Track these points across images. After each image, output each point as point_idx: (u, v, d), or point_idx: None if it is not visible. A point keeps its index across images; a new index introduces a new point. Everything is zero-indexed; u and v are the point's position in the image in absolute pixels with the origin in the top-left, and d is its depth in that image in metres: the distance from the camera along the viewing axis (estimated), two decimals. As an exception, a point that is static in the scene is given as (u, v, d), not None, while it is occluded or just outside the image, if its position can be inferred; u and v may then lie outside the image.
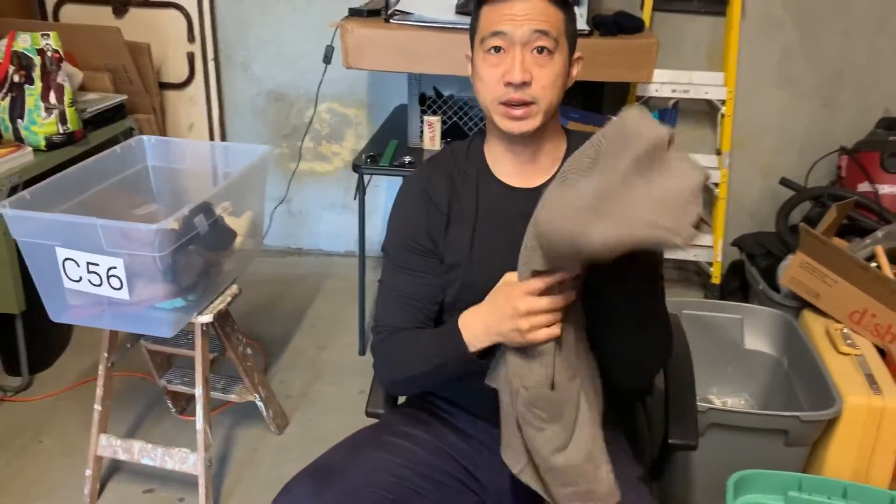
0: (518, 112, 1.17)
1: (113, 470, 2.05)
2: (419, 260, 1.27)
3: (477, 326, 1.13)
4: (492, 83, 1.17)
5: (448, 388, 1.35)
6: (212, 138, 3.14)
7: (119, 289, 1.60)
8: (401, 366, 1.26)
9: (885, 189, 2.51)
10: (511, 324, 1.05)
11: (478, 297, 1.17)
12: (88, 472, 1.92)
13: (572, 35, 1.21)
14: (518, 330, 1.04)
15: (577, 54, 1.24)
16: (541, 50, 1.15)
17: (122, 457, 1.90)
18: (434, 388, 1.35)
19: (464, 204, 1.27)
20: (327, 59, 2.45)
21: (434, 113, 2.44)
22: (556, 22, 1.16)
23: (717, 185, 2.85)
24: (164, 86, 3.04)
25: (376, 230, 3.14)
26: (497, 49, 1.16)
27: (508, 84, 1.15)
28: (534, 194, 1.14)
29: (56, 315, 1.72)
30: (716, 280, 2.87)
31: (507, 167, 1.26)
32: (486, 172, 1.28)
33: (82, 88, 2.60)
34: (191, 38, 2.99)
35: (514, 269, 1.11)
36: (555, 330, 1.04)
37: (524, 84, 1.14)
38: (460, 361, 1.15)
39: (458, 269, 1.25)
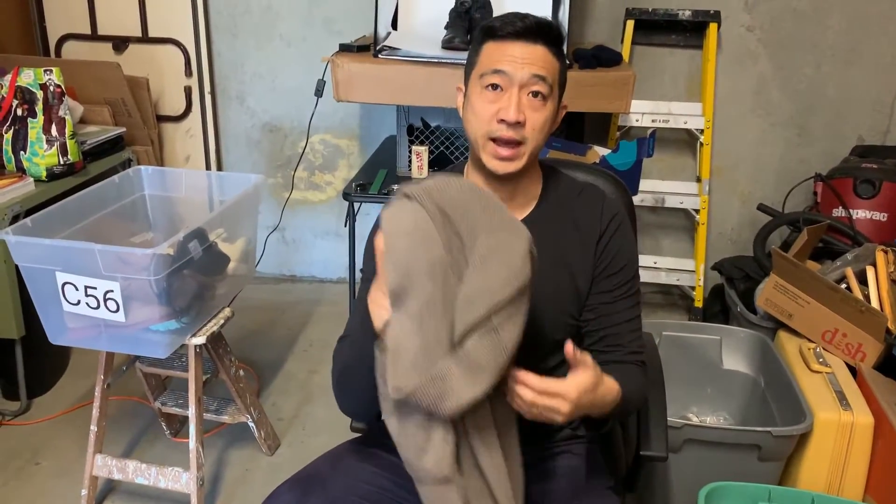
0: (506, 153, 1.21)
1: (108, 490, 2.10)
2: None
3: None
4: (486, 118, 1.20)
5: None
6: (208, 169, 3.23)
7: (116, 311, 1.67)
8: (338, 361, 1.26)
9: (858, 214, 2.60)
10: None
11: None
12: (84, 493, 1.97)
13: (563, 85, 1.27)
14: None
15: (563, 102, 1.30)
16: (536, 94, 1.19)
17: (116, 476, 1.95)
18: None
19: None
20: (319, 92, 2.54)
21: (422, 143, 2.54)
22: (553, 70, 1.22)
23: (697, 211, 2.94)
24: (162, 118, 3.14)
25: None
26: (495, 86, 1.20)
27: (502, 121, 1.19)
28: None
29: (55, 337, 1.78)
30: (698, 303, 2.95)
31: (484, 158, 1.26)
32: None
33: (82, 121, 2.70)
34: (188, 73, 3.09)
35: None
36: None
37: (518, 123, 1.19)
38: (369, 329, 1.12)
39: None
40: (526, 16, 1.20)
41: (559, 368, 1.24)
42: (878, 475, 1.87)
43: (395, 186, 2.42)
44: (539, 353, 1.28)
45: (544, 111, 1.21)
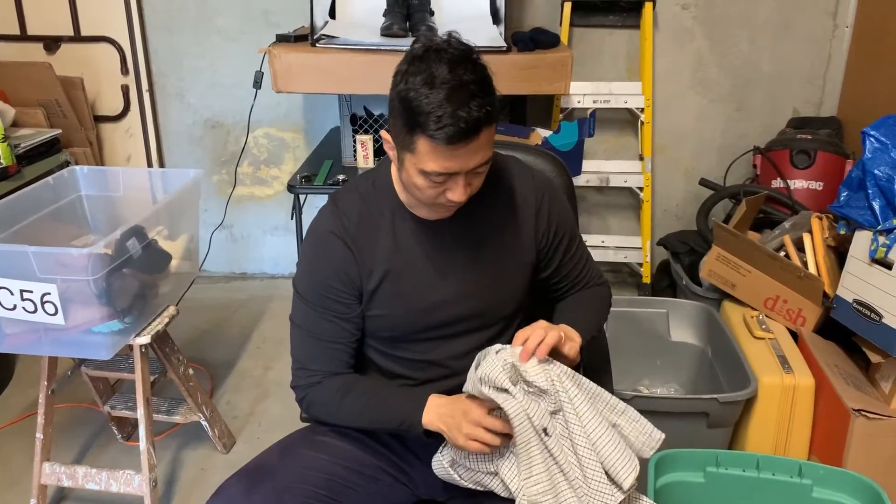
0: (449, 213, 1.22)
1: (60, 499, 2.05)
2: (337, 306, 1.26)
3: (433, 414, 1.21)
4: (430, 196, 1.15)
5: None
6: (150, 168, 3.17)
7: (54, 314, 1.63)
8: (349, 410, 1.28)
9: (795, 184, 2.66)
10: (456, 433, 1.17)
11: (408, 330, 1.28)
12: (33, 502, 1.93)
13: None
14: (457, 439, 1.17)
15: None
16: (480, 170, 1.15)
17: (66, 483, 1.91)
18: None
19: (380, 243, 1.25)
20: (257, 84, 2.51)
21: (366, 132, 2.52)
22: (492, 139, 1.13)
23: (641, 188, 2.98)
24: (100, 119, 3.07)
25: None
26: (439, 182, 1.13)
27: (451, 200, 1.15)
28: (451, 226, 1.24)
29: (-8, 344, 1.74)
30: (646, 279, 3.00)
31: (422, 210, 1.24)
32: (401, 210, 1.26)
33: (15, 124, 2.62)
34: (124, 71, 3.02)
35: (437, 301, 1.25)
36: (485, 448, 1.16)
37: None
38: (408, 427, 1.23)
39: (383, 308, 1.27)
40: (459, 113, 1.04)
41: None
42: (821, 435, 1.93)
43: (341, 177, 2.40)
44: (491, 333, 1.32)
45: (485, 170, 1.17)
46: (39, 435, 1.89)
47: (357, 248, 1.24)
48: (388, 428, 1.29)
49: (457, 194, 1.13)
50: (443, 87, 1.05)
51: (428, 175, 1.11)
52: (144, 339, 1.80)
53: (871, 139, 1.91)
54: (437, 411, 1.21)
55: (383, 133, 1.19)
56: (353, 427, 1.32)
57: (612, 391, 1.50)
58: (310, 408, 1.33)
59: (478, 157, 1.11)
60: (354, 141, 2.51)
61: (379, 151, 2.53)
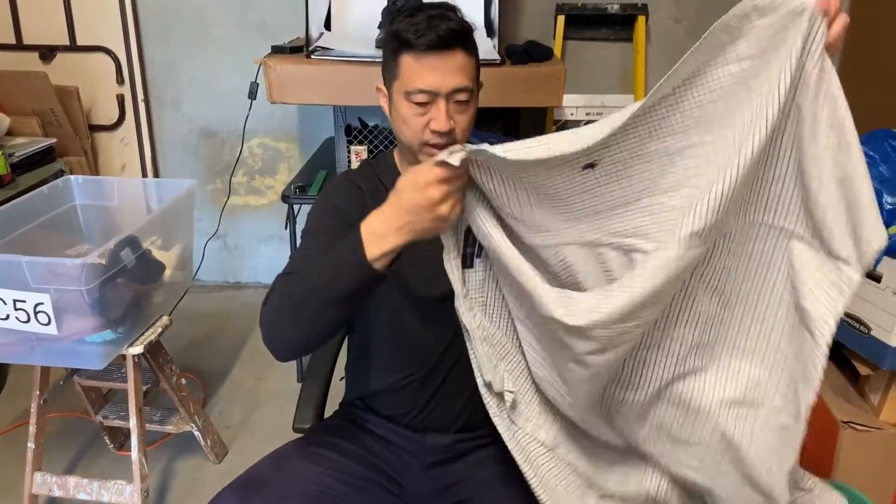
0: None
1: (51, 509, 2.06)
2: (344, 229, 1.20)
3: (385, 226, 1.05)
4: (417, 129, 1.24)
5: (371, 398, 1.42)
6: (145, 177, 3.17)
7: (47, 324, 1.63)
8: (289, 292, 1.15)
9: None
10: (431, 214, 1.02)
11: (402, 295, 1.30)
12: (24, 512, 1.93)
13: (479, 71, 1.30)
14: (439, 217, 1.02)
15: (480, 81, 1.33)
16: (460, 101, 1.24)
17: (57, 493, 1.91)
18: (323, 330, 1.16)
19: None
20: (252, 94, 2.53)
21: (360, 143, 2.53)
22: (472, 71, 1.25)
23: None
24: (95, 128, 3.08)
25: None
26: (422, 102, 1.23)
27: (434, 131, 1.23)
28: None
29: (-16, 354, 1.74)
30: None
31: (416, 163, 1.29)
32: None
33: (10, 133, 2.63)
34: (120, 81, 3.04)
35: (432, 267, 1.13)
36: (453, 205, 1.03)
37: (448, 131, 1.23)
38: (358, 270, 1.06)
39: None
40: (437, 24, 1.21)
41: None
42: (810, 446, 1.94)
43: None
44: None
45: (469, 110, 1.27)
46: (31, 445, 1.89)
47: (369, 200, 1.31)
48: (330, 282, 1.09)
49: (440, 122, 1.21)
50: (424, 14, 1.23)
51: (411, 97, 1.22)
52: (137, 349, 1.80)
53: (860, 153, 1.93)
54: (379, 219, 1.06)
55: (378, 86, 1.33)
56: (296, 311, 1.13)
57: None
58: (267, 300, 1.19)
59: (456, 77, 1.21)
60: (349, 151, 2.52)
61: (373, 162, 2.54)
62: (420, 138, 1.25)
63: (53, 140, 2.68)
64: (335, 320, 1.13)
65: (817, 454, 1.90)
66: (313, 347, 1.25)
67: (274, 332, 1.17)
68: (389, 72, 1.27)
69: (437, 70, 1.21)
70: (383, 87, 1.32)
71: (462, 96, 1.24)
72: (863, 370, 1.90)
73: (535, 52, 2.42)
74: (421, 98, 1.22)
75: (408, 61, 1.22)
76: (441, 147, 1.23)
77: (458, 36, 1.22)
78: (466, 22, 1.26)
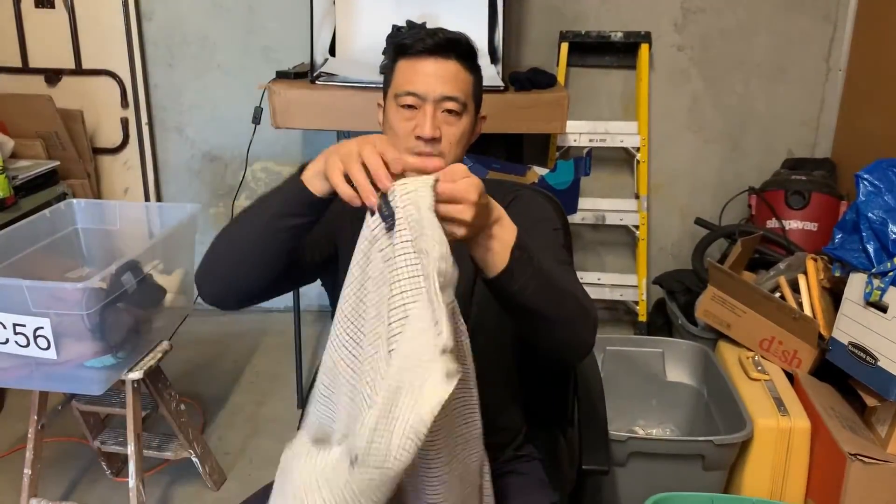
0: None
1: (45, 536, 2.02)
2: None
3: (318, 160, 1.03)
4: (403, 135, 1.21)
5: None
6: (147, 201, 3.17)
7: (46, 349, 1.62)
8: (226, 226, 1.17)
9: (791, 224, 2.68)
10: (352, 145, 0.97)
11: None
12: (19, 539, 1.90)
13: (479, 96, 1.29)
14: (352, 153, 0.95)
15: (482, 113, 1.31)
16: (450, 111, 1.22)
17: (53, 520, 1.88)
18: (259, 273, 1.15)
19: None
20: (256, 119, 2.53)
21: (363, 168, 2.53)
22: (466, 86, 1.23)
23: (637, 227, 2.99)
24: (99, 151, 3.08)
25: (311, 284, 3.19)
26: (410, 106, 1.21)
27: (419, 137, 1.21)
28: None
29: (-17, 379, 1.72)
30: (642, 318, 3.00)
31: None
32: None
33: (14, 156, 2.63)
34: (124, 104, 3.05)
35: None
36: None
37: (434, 140, 1.20)
38: (290, 183, 1.06)
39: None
40: (436, 32, 1.21)
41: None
42: (817, 478, 1.91)
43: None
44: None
45: (459, 125, 1.23)
46: (27, 470, 1.87)
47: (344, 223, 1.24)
48: (272, 203, 1.09)
49: (424, 128, 1.18)
50: (425, 29, 1.23)
51: (399, 99, 1.20)
52: (137, 374, 1.78)
53: (865, 182, 1.93)
54: (317, 166, 1.03)
55: (378, 102, 1.31)
56: (235, 235, 1.15)
57: (606, 431, 1.50)
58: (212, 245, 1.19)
59: (447, 85, 1.20)
60: (352, 177, 2.52)
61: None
62: (405, 144, 1.21)
63: (57, 163, 2.68)
64: (266, 249, 1.10)
65: (825, 487, 1.87)
66: (245, 286, 1.17)
67: (206, 265, 1.19)
68: (386, 81, 1.27)
69: (429, 75, 1.20)
70: (382, 102, 1.31)
71: (452, 106, 1.21)
72: (869, 401, 1.88)
73: (538, 79, 2.43)
74: (408, 100, 1.20)
75: (402, 65, 1.23)
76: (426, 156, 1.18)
77: (455, 45, 1.21)
78: (471, 41, 1.25)
